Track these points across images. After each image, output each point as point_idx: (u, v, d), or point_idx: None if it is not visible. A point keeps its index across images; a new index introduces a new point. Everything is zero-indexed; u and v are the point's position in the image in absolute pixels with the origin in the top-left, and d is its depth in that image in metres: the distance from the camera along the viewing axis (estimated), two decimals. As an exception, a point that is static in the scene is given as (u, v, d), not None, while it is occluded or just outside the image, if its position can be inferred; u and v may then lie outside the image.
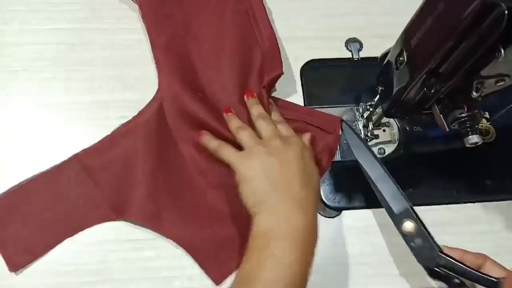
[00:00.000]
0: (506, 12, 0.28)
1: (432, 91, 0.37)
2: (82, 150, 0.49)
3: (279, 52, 0.52)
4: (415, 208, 0.50)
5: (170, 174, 0.49)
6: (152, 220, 0.47)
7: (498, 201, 0.51)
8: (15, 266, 0.45)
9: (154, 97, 0.52)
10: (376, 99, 0.47)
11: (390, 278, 0.48)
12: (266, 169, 0.42)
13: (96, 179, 0.48)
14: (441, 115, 0.40)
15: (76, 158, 0.49)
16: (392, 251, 0.49)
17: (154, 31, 0.54)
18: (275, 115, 0.50)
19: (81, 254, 0.47)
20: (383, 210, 0.50)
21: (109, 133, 0.51)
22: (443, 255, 0.42)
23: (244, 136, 0.46)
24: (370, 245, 0.49)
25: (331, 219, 0.50)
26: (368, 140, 0.52)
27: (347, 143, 0.53)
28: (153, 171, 0.48)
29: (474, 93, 0.36)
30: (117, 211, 0.47)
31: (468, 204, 0.51)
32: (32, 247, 0.46)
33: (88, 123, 0.52)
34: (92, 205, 0.48)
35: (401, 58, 0.39)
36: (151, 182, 0.48)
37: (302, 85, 0.56)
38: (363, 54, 0.58)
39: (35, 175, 0.48)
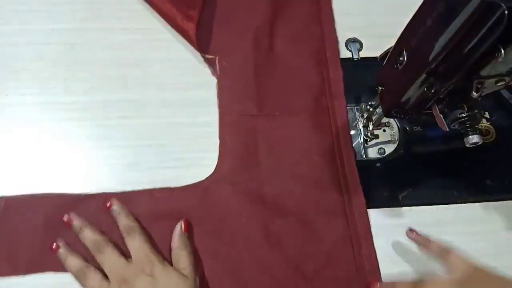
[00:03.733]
0: (506, 12, 0.28)
1: (432, 91, 0.37)
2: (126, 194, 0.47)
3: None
4: (415, 208, 0.50)
5: None
6: None
7: (498, 201, 0.52)
8: None
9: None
10: (376, 99, 0.47)
11: (390, 278, 0.48)
12: None
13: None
14: (441, 115, 0.40)
15: (108, 197, 0.46)
16: (392, 251, 0.49)
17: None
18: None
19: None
20: (383, 210, 0.50)
21: (108, 133, 0.51)
22: None
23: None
24: (370, 245, 0.49)
25: (331, 219, 0.50)
26: (368, 140, 0.52)
27: (347, 143, 0.53)
28: None
29: (474, 93, 0.36)
30: None
31: (468, 204, 0.51)
32: (16, 261, 0.44)
33: (88, 123, 0.52)
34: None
35: (401, 58, 0.39)
36: None
37: (302, 85, 0.56)
38: (363, 54, 0.58)
39: (61, 193, 0.47)
